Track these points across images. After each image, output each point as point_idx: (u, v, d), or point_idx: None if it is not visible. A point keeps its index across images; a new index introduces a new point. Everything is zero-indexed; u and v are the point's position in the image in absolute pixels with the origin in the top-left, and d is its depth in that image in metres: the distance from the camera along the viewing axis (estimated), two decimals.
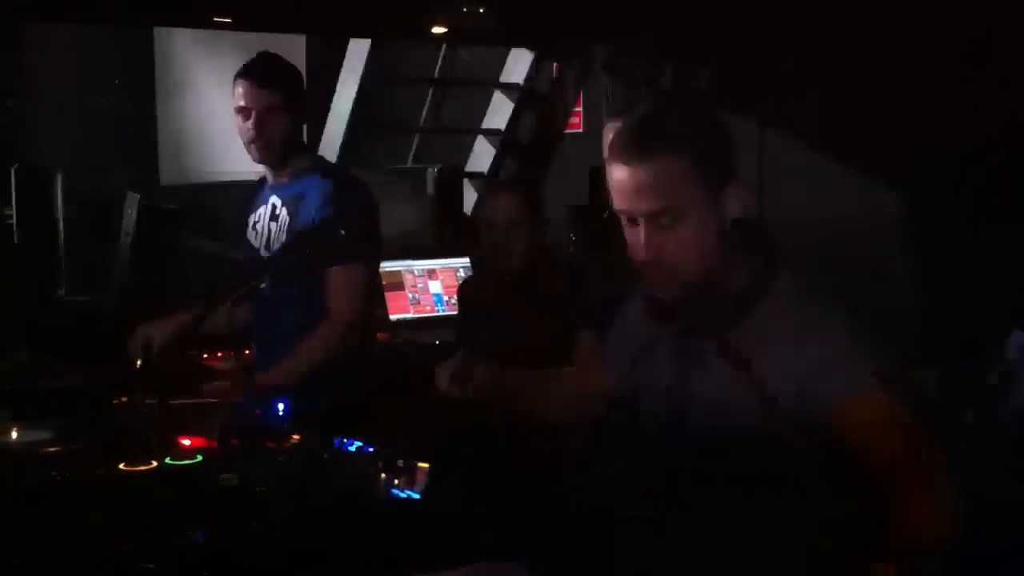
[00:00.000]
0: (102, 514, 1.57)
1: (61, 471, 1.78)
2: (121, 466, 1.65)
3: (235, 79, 3.08)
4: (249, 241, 3.24)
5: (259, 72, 3.08)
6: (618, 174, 1.76)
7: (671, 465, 1.84)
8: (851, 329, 1.77)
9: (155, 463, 1.67)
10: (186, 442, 1.80)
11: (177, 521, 1.55)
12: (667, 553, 1.80)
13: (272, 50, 3.22)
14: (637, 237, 1.77)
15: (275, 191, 3.17)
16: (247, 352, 3.41)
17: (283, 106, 3.06)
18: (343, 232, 2.99)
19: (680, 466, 1.83)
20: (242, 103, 3.04)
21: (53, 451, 1.89)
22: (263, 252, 3.18)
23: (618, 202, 1.78)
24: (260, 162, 3.15)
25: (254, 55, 3.17)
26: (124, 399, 2.50)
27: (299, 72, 3.19)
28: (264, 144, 3.07)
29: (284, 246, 3.11)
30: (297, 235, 3.07)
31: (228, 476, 1.79)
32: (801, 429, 1.73)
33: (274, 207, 3.16)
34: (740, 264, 1.83)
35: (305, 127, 3.21)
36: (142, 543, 1.57)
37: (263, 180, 3.23)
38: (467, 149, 5.61)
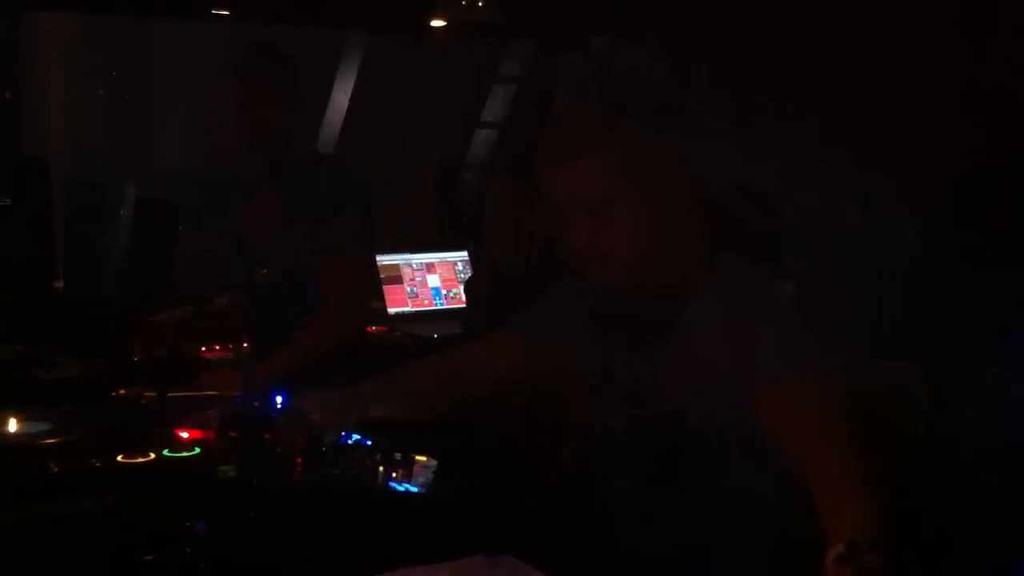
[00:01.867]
0: (100, 505, 1.57)
1: (59, 462, 1.78)
2: (119, 457, 1.65)
3: (233, 68, 3.08)
4: (244, 232, 3.24)
5: (254, 62, 3.08)
6: (546, 177, 1.80)
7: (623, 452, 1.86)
8: (779, 316, 1.77)
9: (153, 455, 1.67)
10: (184, 434, 1.80)
11: (176, 513, 1.56)
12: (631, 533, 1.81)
13: (267, 42, 3.22)
14: (570, 231, 1.79)
15: (270, 182, 3.17)
16: (245, 345, 3.41)
17: (277, 96, 3.05)
18: (338, 223, 2.99)
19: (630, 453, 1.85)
20: (238, 92, 3.04)
21: (51, 442, 1.89)
22: (258, 243, 3.18)
23: (550, 202, 1.81)
24: (257, 150, 3.15)
25: (251, 44, 3.17)
26: (122, 391, 2.50)
27: (294, 63, 3.19)
28: (259, 133, 3.07)
29: (278, 238, 3.11)
30: (291, 227, 3.07)
31: (226, 468, 1.79)
32: (733, 417, 1.73)
33: (268, 198, 3.16)
34: (685, 252, 1.83)
35: (300, 118, 3.21)
36: (140, 534, 1.57)
37: (259, 170, 3.23)
38: (466, 142, 5.61)
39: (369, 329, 3.72)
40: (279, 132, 3.08)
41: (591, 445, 2.00)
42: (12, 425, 2.02)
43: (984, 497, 2.31)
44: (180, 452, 1.70)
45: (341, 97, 5.15)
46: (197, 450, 1.71)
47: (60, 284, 4.19)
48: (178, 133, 5.63)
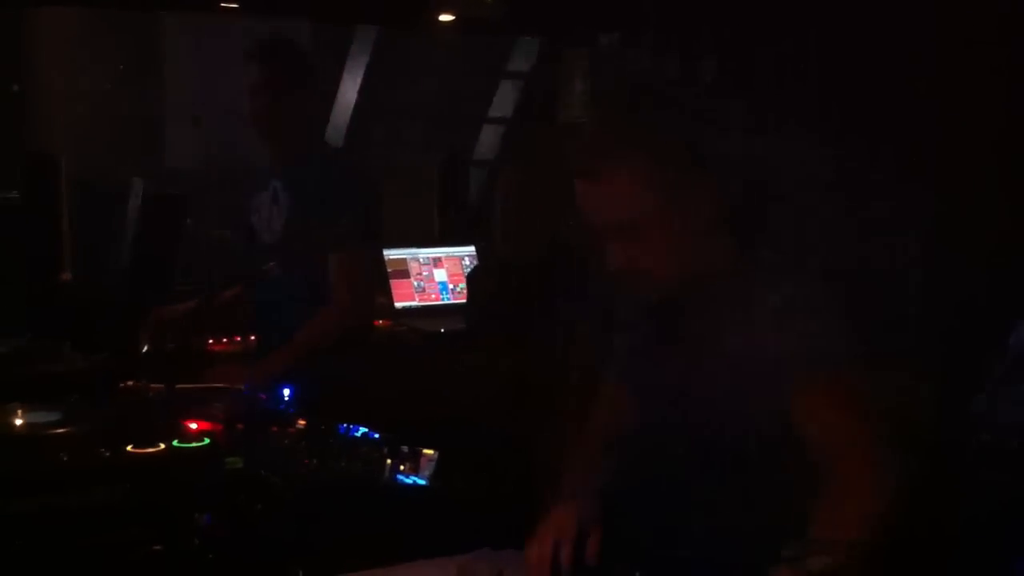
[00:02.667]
0: (110, 496, 1.58)
1: (69, 453, 1.79)
2: (129, 448, 1.65)
3: (244, 60, 3.09)
4: (252, 225, 3.24)
5: (266, 54, 3.09)
6: (578, 188, 1.77)
7: (673, 457, 1.85)
8: (816, 310, 1.76)
9: (162, 446, 1.68)
10: (192, 425, 1.81)
11: (184, 504, 1.56)
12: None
13: (279, 34, 3.23)
14: (608, 250, 1.77)
15: (277, 175, 3.17)
16: (252, 338, 3.42)
17: (288, 88, 3.06)
18: (344, 218, 3.00)
19: (682, 458, 1.83)
20: (249, 84, 3.05)
21: (61, 433, 1.90)
22: (265, 236, 3.19)
23: (584, 216, 1.79)
24: (267, 142, 3.16)
25: (261, 38, 3.18)
26: (129, 383, 2.51)
27: (306, 55, 3.19)
28: (269, 125, 3.08)
29: (285, 231, 3.11)
30: (299, 220, 3.08)
31: (234, 460, 1.80)
32: (771, 416, 1.71)
33: (275, 190, 3.16)
34: (719, 256, 1.81)
35: (311, 111, 3.21)
36: (149, 525, 1.57)
37: (268, 164, 3.24)
38: (473, 137, 5.61)
39: (376, 323, 3.72)
40: (286, 123, 3.09)
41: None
42: (21, 417, 2.03)
43: (984, 497, 2.31)
44: (189, 443, 1.71)
45: (349, 92, 5.16)
46: (206, 441, 1.71)
47: (68, 277, 4.20)
48: (187, 126, 5.64)
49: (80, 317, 3.66)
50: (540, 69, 5.39)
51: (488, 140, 5.56)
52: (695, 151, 1.77)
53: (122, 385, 2.50)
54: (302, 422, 2.14)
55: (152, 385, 2.45)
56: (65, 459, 1.73)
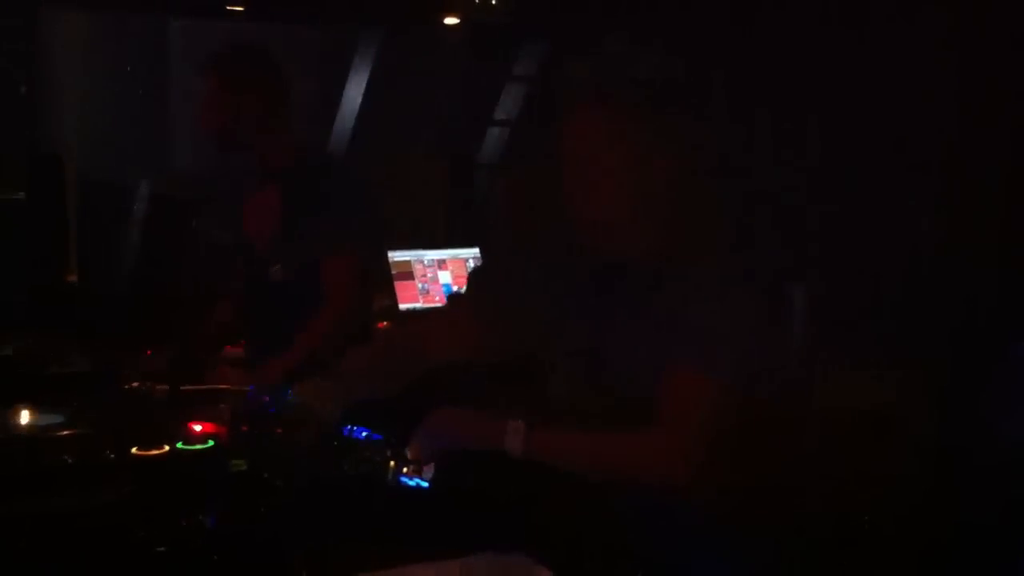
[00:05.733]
0: (113, 497, 1.58)
1: (72, 454, 1.80)
2: (133, 450, 1.66)
3: (204, 74, 3.11)
4: (245, 229, 3.26)
5: (224, 66, 3.10)
6: (569, 130, 1.97)
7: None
8: (723, 315, 1.88)
9: (167, 447, 1.68)
10: (197, 427, 1.82)
11: (188, 505, 1.57)
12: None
13: (284, 37, 3.24)
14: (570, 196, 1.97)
15: (274, 178, 3.18)
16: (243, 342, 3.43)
17: (255, 97, 3.08)
18: (337, 223, 3.01)
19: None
20: (210, 98, 3.08)
21: (64, 434, 1.91)
22: (259, 241, 3.20)
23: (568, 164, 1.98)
24: (228, 153, 3.19)
25: (259, 42, 3.19)
26: (134, 384, 2.52)
27: (271, 60, 3.19)
28: (240, 138, 3.10)
29: (279, 235, 3.13)
30: (292, 226, 3.09)
31: (238, 462, 1.80)
32: None
33: (272, 196, 3.17)
34: (671, 234, 1.96)
35: (285, 116, 3.20)
36: (153, 527, 1.58)
37: (260, 168, 3.25)
38: (479, 140, 5.62)
39: (379, 325, 3.73)
40: (271, 133, 3.10)
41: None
42: (25, 417, 2.04)
43: (985, 499, 2.32)
44: (193, 445, 1.72)
45: (354, 95, 5.17)
46: (210, 443, 1.72)
47: (73, 278, 4.21)
48: (192, 130, 5.66)
49: (85, 318, 3.67)
50: (546, 72, 5.40)
51: (493, 143, 5.57)
52: (668, 119, 1.93)
53: (127, 386, 2.52)
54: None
55: (157, 386, 2.46)
56: (69, 461, 1.74)
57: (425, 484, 1.89)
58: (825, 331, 2.92)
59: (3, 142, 4.51)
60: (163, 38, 5.51)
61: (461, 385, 2.48)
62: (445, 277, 4.31)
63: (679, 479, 1.86)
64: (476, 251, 4.38)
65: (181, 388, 2.39)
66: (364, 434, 2.04)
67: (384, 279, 4.13)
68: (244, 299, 3.28)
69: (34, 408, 2.07)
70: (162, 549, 1.52)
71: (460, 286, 4.26)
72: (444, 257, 4.36)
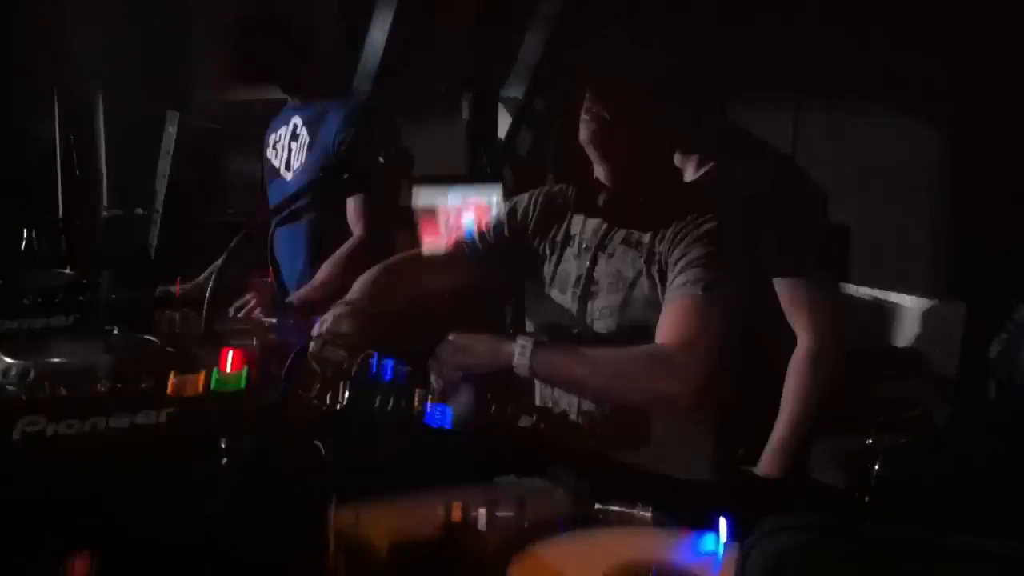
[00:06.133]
0: (151, 426, 1.65)
1: (112, 383, 1.87)
2: (172, 378, 1.73)
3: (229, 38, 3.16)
4: (269, 160, 3.31)
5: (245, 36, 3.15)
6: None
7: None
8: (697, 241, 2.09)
9: (203, 379, 1.75)
10: (230, 356, 1.88)
11: (225, 434, 1.64)
12: None
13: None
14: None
15: (297, 111, 3.23)
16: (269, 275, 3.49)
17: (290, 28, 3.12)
18: (363, 158, 3.06)
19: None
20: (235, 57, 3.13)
21: (103, 364, 1.98)
22: (283, 172, 3.26)
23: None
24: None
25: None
26: (168, 314, 2.59)
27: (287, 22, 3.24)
28: (267, 64, 3.15)
29: (305, 168, 3.18)
30: (317, 159, 3.14)
31: (270, 393, 1.88)
32: None
33: (295, 127, 3.22)
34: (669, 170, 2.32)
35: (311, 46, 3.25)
36: (192, 451, 1.66)
37: (286, 100, 3.30)
38: (502, 77, 5.63)
39: None
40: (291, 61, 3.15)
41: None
42: (65, 349, 2.11)
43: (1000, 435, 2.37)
44: (228, 374, 1.79)
45: (378, 32, 5.18)
46: (244, 372, 1.79)
47: (107, 211, 4.28)
48: (217, 62, 5.67)
49: (119, 251, 3.74)
50: (568, 11, 5.39)
51: (515, 80, 5.58)
52: (682, 78, 2.18)
53: (160, 316, 2.59)
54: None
55: (189, 317, 2.54)
56: (113, 387, 1.82)
57: (448, 426, 1.96)
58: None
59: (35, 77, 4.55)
60: None
61: (464, 312, 2.57)
62: (468, 213, 4.36)
63: (686, 392, 1.93)
64: (499, 187, 4.42)
65: (213, 318, 2.46)
66: (392, 365, 2.10)
67: (408, 214, 4.18)
68: (272, 231, 3.34)
69: (75, 338, 2.14)
70: (200, 477, 1.59)
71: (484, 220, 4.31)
72: (467, 194, 4.40)
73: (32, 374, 2.02)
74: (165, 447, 1.65)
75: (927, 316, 3.42)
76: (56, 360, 2.11)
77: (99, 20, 5.17)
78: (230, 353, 1.80)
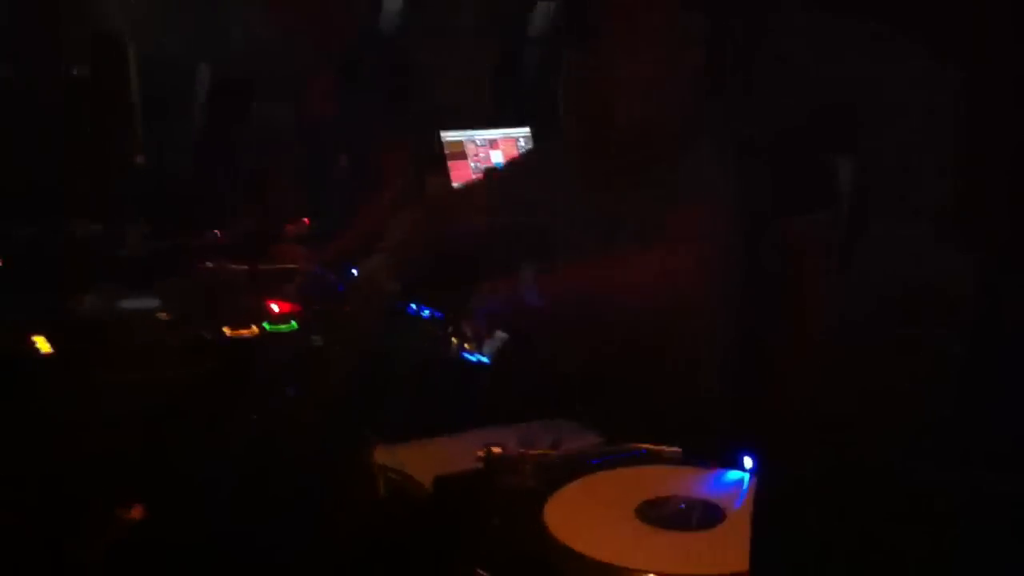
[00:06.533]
0: (212, 373, 1.74)
1: (167, 334, 1.96)
2: (225, 330, 1.82)
3: None
4: (307, 113, 3.37)
5: None
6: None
7: None
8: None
9: (255, 327, 1.84)
10: (275, 307, 1.97)
11: (276, 378, 1.73)
12: None
13: None
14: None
15: (333, 63, 3.28)
16: (305, 220, 3.54)
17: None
18: (394, 107, 3.12)
19: None
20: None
21: (156, 315, 2.06)
22: (321, 125, 3.31)
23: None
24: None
25: None
26: (209, 265, 2.66)
27: None
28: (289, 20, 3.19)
29: (342, 119, 3.24)
30: (353, 107, 3.19)
31: (316, 338, 1.97)
32: None
33: (330, 79, 3.27)
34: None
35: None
36: (249, 398, 1.75)
37: (317, 50, 3.35)
38: (528, 15, 5.60)
39: None
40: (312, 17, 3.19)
41: None
42: (120, 302, 2.19)
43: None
44: (278, 324, 1.87)
45: None
46: (294, 324, 1.87)
47: (141, 160, 4.33)
48: (249, 11, 5.67)
49: (154, 201, 3.81)
50: None
51: (541, 18, 5.56)
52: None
53: (200, 267, 2.66)
54: None
55: (231, 266, 2.61)
56: (168, 341, 1.91)
57: (485, 360, 2.04)
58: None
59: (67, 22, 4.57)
60: None
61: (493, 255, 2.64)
62: (497, 156, 4.41)
63: (700, 289, 2.00)
64: (527, 130, 4.45)
65: (256, 268, 2.53)
66: (427, 312, 2.19)
67: (437, 159, 4.23)
68: (307, 180, 3.41)
69: (123, 292, 2.22)
70: (255, 417, 1.69)
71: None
72: (495, 136, 4.44)
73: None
74: (224, 391, 1.74)
75: None
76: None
77: None
78: (275, 307, 1.88)
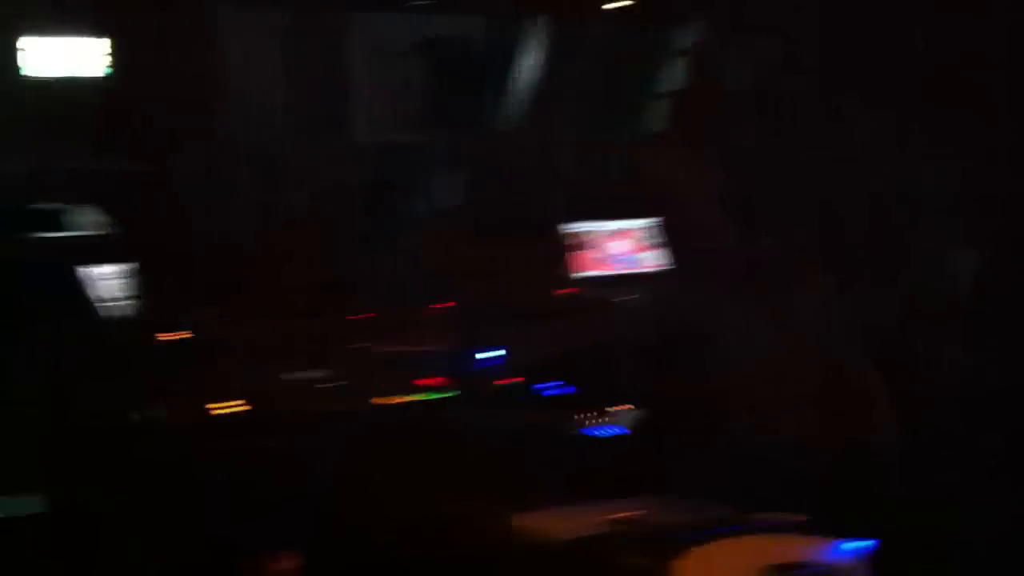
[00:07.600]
0: None
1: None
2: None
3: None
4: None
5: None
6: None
7: None
8: None
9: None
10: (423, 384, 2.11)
11: None
12: None
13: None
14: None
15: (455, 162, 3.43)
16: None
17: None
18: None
19: None
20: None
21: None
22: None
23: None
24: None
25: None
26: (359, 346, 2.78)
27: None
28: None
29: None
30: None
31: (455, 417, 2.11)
32: None
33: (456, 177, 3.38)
34: None
35: None
36: None
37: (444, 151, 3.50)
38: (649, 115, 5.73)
39: (556, 292, 3.96)
40: None
41: None
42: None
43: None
44: (434, 395, 2.03)
45: (529, 75, 5.36)
46: (452, 393, 2.03)
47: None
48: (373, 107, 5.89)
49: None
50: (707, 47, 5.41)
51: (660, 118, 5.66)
52: None
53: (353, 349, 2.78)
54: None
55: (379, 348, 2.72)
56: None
57: (612, 433, 2.12)
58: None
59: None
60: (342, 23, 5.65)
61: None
62: (621, 247, 4.49)
63: None
64: (644, 223, 4.52)
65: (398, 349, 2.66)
66: (555, 387, 2.28)
67: (560, 249, 4.33)
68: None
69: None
70: None
71: (636, 255, 4.45)
72: (621, 227, 4.53)
73: None
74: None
75: None
76: None
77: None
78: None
